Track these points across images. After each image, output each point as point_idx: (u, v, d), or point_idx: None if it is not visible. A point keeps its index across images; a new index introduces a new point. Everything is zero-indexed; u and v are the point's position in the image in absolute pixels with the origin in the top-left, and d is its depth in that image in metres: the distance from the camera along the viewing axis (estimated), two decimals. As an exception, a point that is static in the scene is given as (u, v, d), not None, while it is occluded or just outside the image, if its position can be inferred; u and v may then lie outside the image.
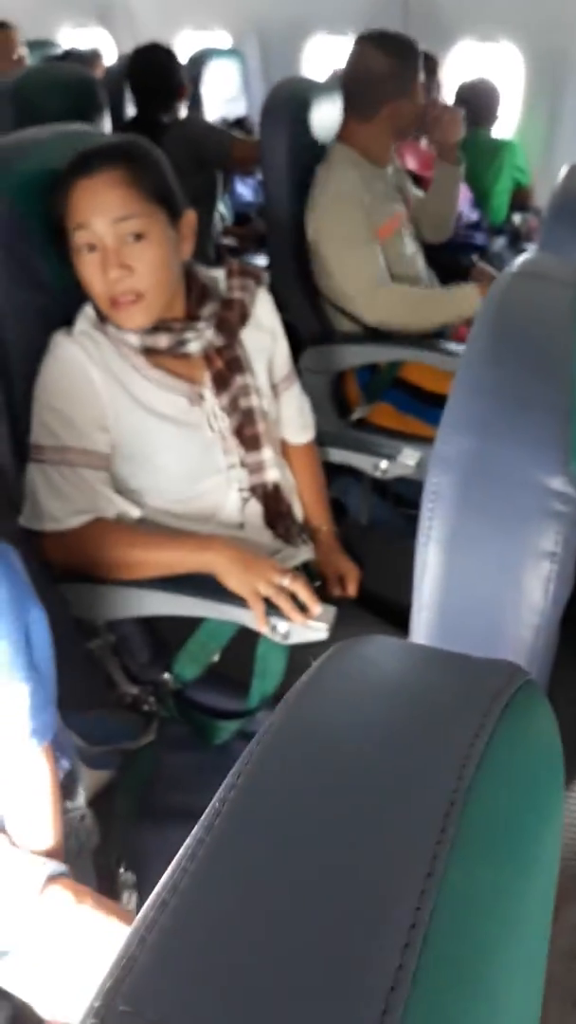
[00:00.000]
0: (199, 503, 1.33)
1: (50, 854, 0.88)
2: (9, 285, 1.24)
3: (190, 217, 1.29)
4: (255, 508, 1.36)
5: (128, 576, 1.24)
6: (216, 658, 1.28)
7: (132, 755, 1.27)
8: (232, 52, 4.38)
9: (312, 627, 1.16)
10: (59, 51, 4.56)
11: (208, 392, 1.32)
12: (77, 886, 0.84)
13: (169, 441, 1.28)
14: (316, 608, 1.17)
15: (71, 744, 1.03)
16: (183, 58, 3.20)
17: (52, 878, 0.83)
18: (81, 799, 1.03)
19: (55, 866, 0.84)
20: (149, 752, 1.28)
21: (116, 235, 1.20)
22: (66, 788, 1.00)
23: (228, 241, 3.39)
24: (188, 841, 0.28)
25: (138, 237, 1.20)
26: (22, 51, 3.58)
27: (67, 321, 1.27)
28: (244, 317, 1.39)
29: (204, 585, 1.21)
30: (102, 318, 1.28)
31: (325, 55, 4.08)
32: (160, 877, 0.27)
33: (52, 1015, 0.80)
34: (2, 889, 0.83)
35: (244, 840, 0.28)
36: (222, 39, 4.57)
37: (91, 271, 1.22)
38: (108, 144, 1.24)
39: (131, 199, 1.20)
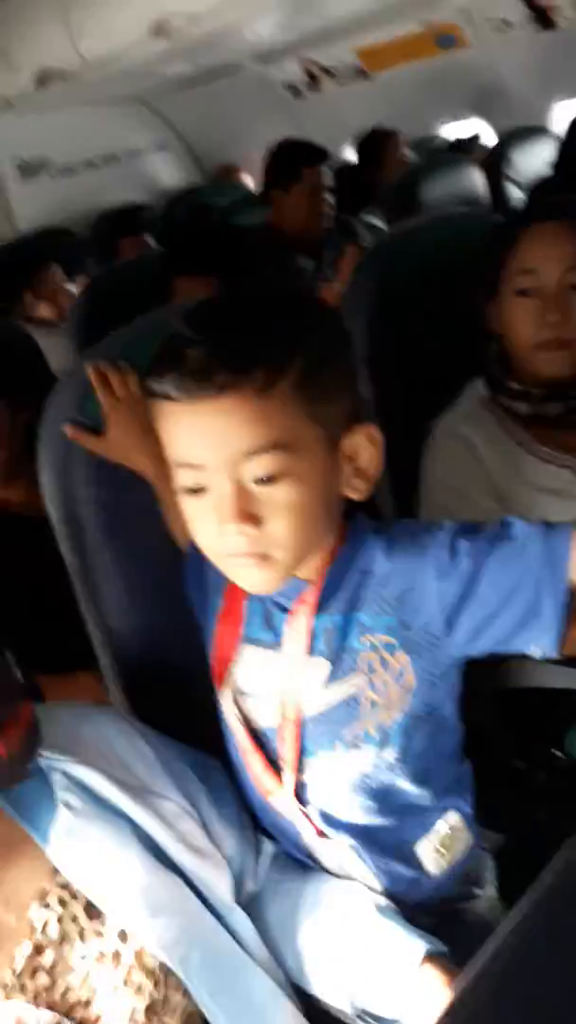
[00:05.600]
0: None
1: None
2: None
3: None
4: None
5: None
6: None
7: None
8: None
9: None
10: (440, 143, 4.83)
11: None
12: (455, 970, 0.82)
13: (553, 516, 1.25)
14: None
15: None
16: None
17: (430, 956, 0.82)
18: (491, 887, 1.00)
19: (436, 944, 0.84)
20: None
21: (562, 283, 1.22)
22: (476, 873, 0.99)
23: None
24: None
25: None
26: (406, 152, 3.88)
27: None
28: None
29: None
30: (495, 388, 1.28)
31: None
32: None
33: None
34: (382, 959, 0.84)
35: None
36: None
37: (524, 316, 1.24)
38: (557, 199, 1.30)
39: None
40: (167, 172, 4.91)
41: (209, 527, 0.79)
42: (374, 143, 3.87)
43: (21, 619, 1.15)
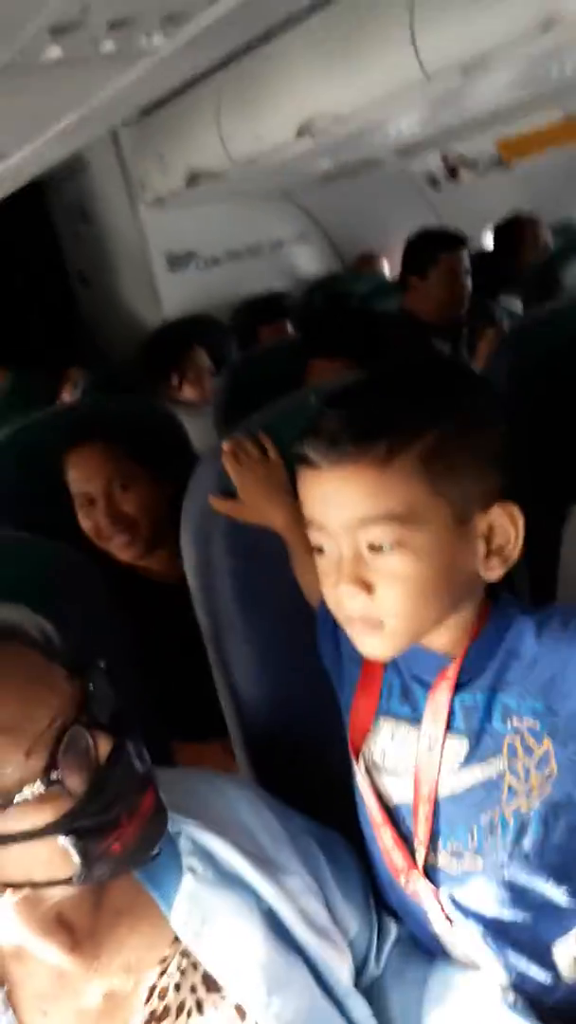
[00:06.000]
0: None
1: None
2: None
3: None
4: None
5: None
6: None
7: None
8: None
9: None
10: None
11: None
12: None
13: None
14: None
15: None
16: None
17: None
18: None
19: None
20: None
21: None
22: None
23: None
24: None
25: None
26: (545, 236, 3.90)
27: None
28: None
29: None
30: None
31: None
32: None
33: None
34: None
35: None
36: None
37: None
38: None
39: None
40: (307, 262, 5.08)
41: (329, 584, 0.83)
42: (513, 229, 3.90)
43: (158, 684, 1.18)
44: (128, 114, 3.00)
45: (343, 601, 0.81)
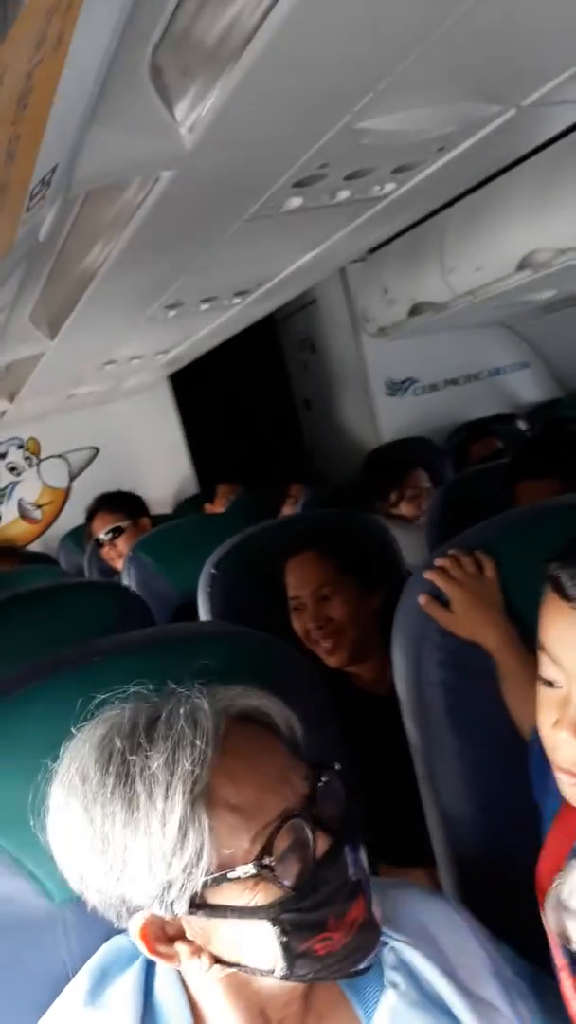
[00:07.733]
0: None
1: None
2: None
3: None
4: None
5: None
6: None
7: None
8: None
9: None
10: None
11: None
12: None
13: None
14: None
15: None
16: None
17: None
18: None
19: None
20: None
21: None
22: None
23: None
24: None
25: None
26: None
27: None
28: None
29: None
30: None
31: None
32: None
33: None
34: None
35: None
36: None
37: None
38: None
39: None
40: (527, 389, 5.08)
41: (548, 721, 0.78)
42: None
43: (363, 799, 1.17)
44: (356, 253, 3.21)
45: (560, 747, 0.77)
